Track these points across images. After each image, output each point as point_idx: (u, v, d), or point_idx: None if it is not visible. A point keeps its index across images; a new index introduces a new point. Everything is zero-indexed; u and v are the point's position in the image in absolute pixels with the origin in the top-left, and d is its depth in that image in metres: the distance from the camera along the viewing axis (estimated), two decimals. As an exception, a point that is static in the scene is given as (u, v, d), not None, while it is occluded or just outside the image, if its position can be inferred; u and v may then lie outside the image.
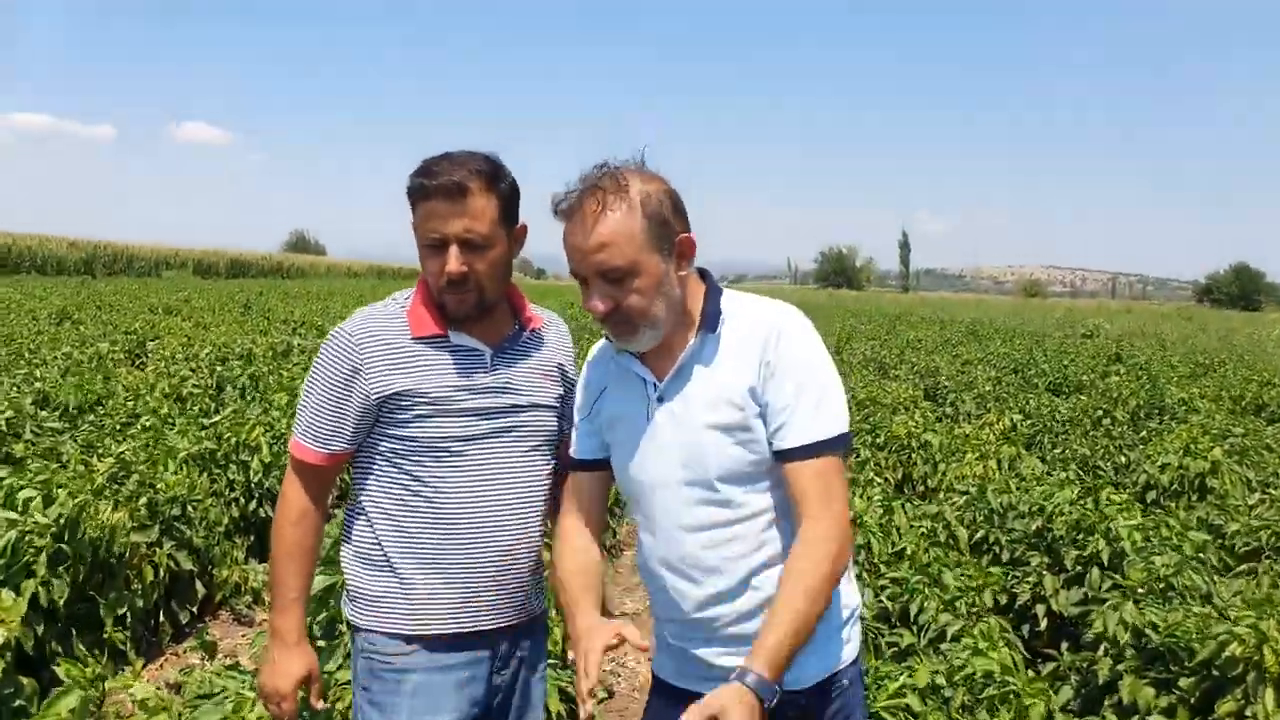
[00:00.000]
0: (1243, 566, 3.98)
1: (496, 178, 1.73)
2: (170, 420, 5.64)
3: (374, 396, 1.75)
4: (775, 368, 1.56)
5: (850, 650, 1.70)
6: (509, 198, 1.76)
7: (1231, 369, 13.20)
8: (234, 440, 5.04)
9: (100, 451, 4.72)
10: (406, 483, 1.78)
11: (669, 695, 1.75)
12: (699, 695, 1.71)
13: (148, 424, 5.28)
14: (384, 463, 1.80)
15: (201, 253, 52.85)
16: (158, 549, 3.89)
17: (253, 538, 4.87)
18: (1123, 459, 6.38)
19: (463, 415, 1.77)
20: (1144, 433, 7.30)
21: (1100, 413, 8.13)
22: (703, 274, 1.70)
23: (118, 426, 5.69)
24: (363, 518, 1.83)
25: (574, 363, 1.99)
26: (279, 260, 60.28)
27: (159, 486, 4.07)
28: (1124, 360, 14.09)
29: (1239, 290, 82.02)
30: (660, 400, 1.66)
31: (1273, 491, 5.13)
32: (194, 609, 4.13)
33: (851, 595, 1.74)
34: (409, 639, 1.79)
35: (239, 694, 2.43)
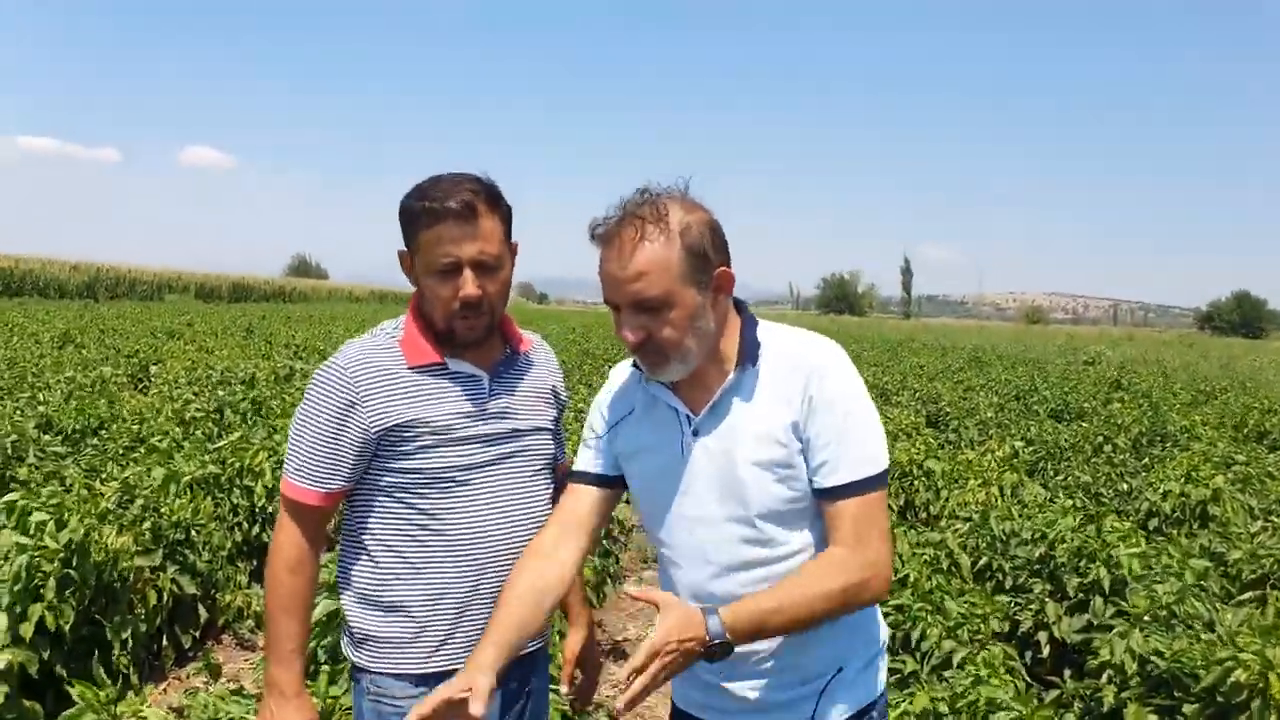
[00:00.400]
0: (1246, 595, 3.98)
1: (498, 197, 1.71)
2: (179, 444, 5.66)
3: (374, 430, 1.69)
4: (817, 404, 1.54)
5: (880, 683, 1.69)
6: (509, 216, 1.75)
7: (1233, 396, 13.22)
8: (238, 465, 5.05)
9: (104, 476, 4.74)
10: (412, 517, 1.73)
11: None
12: None
13: (160, 445, 5.29)
14: (386, 498, 1.75)
15: (204, 276, 53.06)
16: (161, 573, 3.90)
17: (255, 562, 4.87)
18: (1124, 486, 6.38)
19: (467, 444, 1.73)
20: (1146, 460, 7.30)
21: (1102, 439, 8.14)
22: (738, 305, 1.66)
23: (120, 450, 5.71)
24: (365, 557, 1.77)
25: (564, 383, 1.98)
26: (281, 284, 60.51)
27: (164, 511, 4.09)
28: (1126, 387, 14.11)
29: (1240, 318, 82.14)
30: (695, 434, 1.62)
31: (1275, 519, 5.13)
32: (196, 633, 4.13)
33: (883, 628, 1.74)
34: (419, 680, 1.74)
35: (243, 719, 2.43)
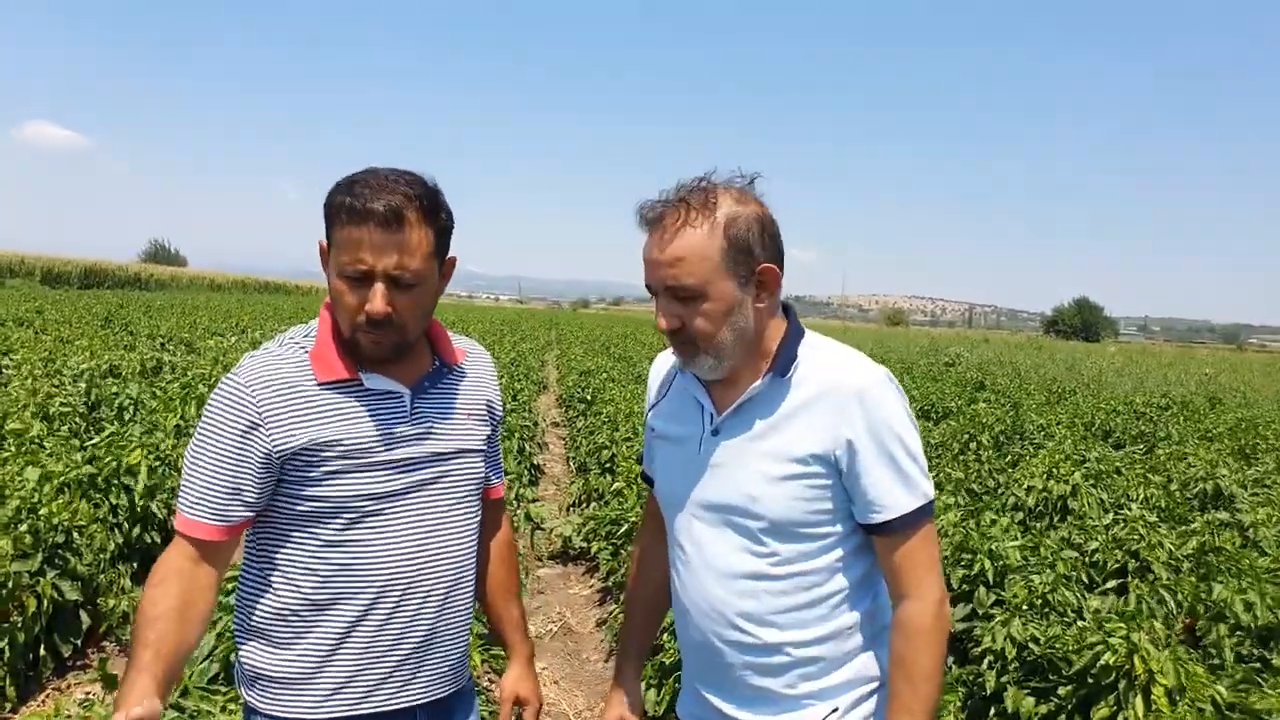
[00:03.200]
0: (1109, 584, 4.34)
1: (436, 206, 1.52)
2: (39, 442, 5.33)
3: (278, 454, 1.50)
4: (859, 439, 1.46)
5: None
6: (446, 229, 1.55)
7: (1081, 397, 14.23)
8: (115, 463, 4.80)
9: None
10: (316, 549, 1.55)
11: None
12: None
13: (19, 445, 4.97)
14: (289, 527, 1.56)
15: (50, 260, 49.44)
16: (40, 579, 3.68)
17: (136, 564, 4.66)
18: (992, 482, 6.79)
19: (380, 469, 1.55)
20: (1009, 456, 7.79)
21: (968, 437, 8.63)
22: (787, 311, 1.60)
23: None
24: (264, 588, 1.58)
25: (501, 396, 1.82)
26: (137, 270, 56.99)
27: (42, 513, 3.86)
28: (988, 388, 14.97)
29: (1081, 322, 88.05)
30: (715, 434, 1.57)
31: (1125, 512, 5.60)
32: (77, 641, 3.91)
33: (880, 663, 1.59)
34: None
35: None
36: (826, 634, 1.54)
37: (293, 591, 1.56)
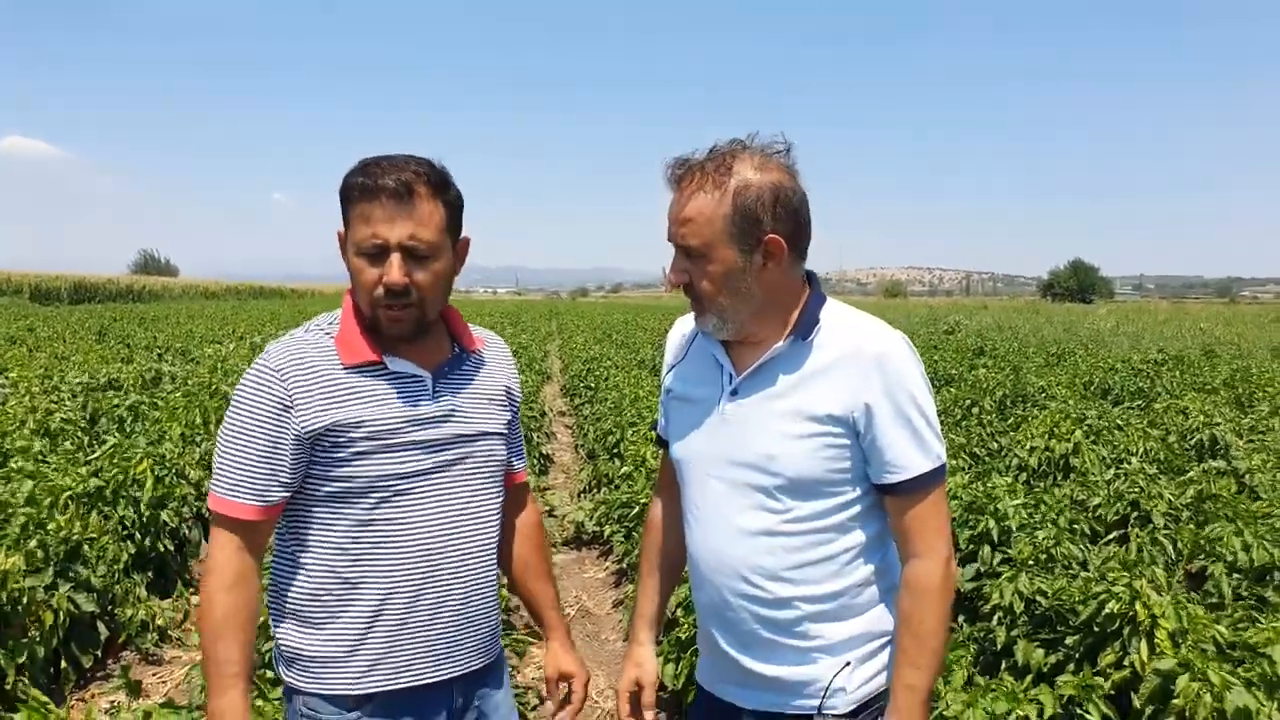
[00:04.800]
0: (1111, 535, 4.39)
1: (444, 183, 1.60)
2: (42, 457, 5.35)
3: (307, 435, 1.57)
4: (877, 401, 1.50)
5: (885, 677, 1.61)
6: (456, 207, 1.63)
7: (1080, 358, 14.28)
8: (121, 475, 4.83)
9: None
10: (346, 528, 1.61)
11: (708, 711, 1.74)
12: (735, 707, 1.66)
13: (23, 460, 5.00)
14: (319, 508, 1.62)
15: (38, 277, 49.24)
16: (55, 592, 3.72)
17: (150, 574, 4.70)
18: (995, 445, 6.84)
19: (407, 449, 1.61)
20: (1011, 419, 7.84)
21: (970, 402, 8.68)
22: (810, 279, 1.63)
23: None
24: (296, 570, 1.64)
25: (519, 383, 1.88)
26: (128, 283, 56.74)
27: (50, 528, 3.90)
28: (987, 353, 15.02)
29: (1077, 285, 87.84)
30: (734, 394, 1.61)
31: (1125, 466, 5.65)
32: (97, 652, 3.95)
33: (889, 618, 1.63)
34: (355, 700, 1.63)
35: (185, 727, 2.38)
36: (838, 590, 1.58)
37: (325, 571, 1.62)
